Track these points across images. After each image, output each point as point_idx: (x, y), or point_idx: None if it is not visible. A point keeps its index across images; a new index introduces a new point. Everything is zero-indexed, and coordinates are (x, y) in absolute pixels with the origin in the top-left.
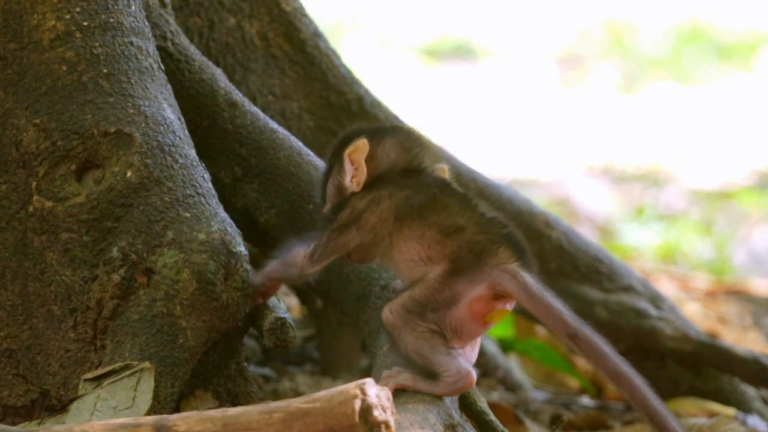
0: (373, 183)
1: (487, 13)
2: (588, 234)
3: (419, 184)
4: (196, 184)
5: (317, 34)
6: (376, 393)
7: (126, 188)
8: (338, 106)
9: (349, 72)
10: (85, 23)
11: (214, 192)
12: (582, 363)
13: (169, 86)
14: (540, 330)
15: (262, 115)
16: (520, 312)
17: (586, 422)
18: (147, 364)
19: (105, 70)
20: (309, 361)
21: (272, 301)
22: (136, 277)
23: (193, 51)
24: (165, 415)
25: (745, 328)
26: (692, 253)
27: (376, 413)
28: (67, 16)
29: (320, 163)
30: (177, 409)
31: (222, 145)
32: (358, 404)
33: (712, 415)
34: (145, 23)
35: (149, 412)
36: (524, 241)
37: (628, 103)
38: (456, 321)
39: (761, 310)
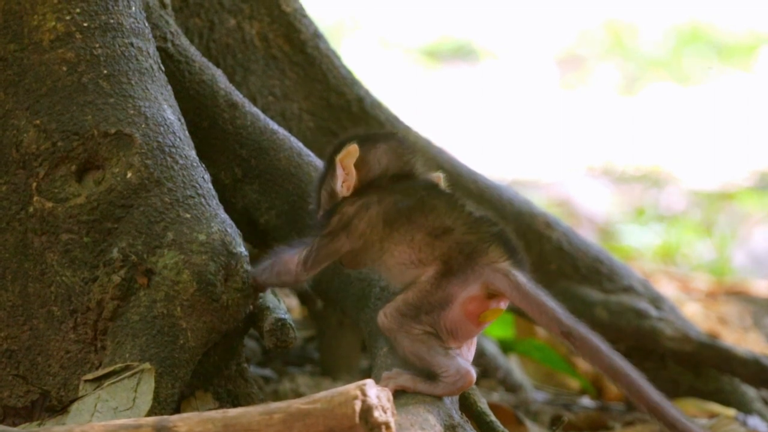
0: (364, 188)
1: (487, 14)
2: (588, 235)
3: (407, 188)
4: (197, 185)
5: (317, 35)
6: (376, 394)
7: (126, 189)
8: (338, 107)
9: (349, 73)
10: (85, 24)
11: (214, 193)
12: (582, 364)
13: (169, 87)
14: (540, 330)
15: (262, 116)
16: (520, 312)
17: (586, 423)
18: (147, 365)
19: (105, 71)
20: (309, 362)
21: (272, 301)
22: (137, 278)
23: (194, 52)
24: (165, 416)
25: (746, 328)
26: (692, 253)
27: (377, 414)
28: (68, 17)
29: (320, 164)
30: (177, 410)
31: (222, 146)
32: (358, 405)
33: (712, 415)
34: (145, 24)
35: (149, 413)
36: (515, 239)
37: (629, 103)
38: (450, 322)
39: (761, 311)
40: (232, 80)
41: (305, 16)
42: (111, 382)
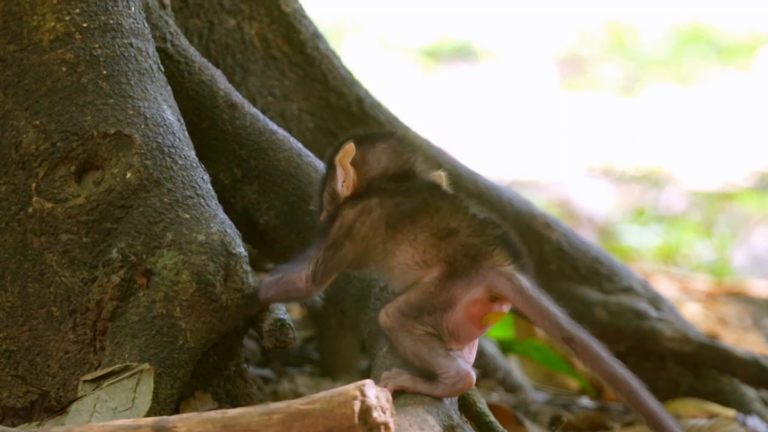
0: (364, 189)
1: (487, 15)
2: (588, 235)
3: (409, 190)
4: (196, 186)
5: (317, 36)
6: (375, 394)
7: (125, 189)
8: (338, 108)
9: (348, 73)
10: (84, 24)
11: (213, 193)
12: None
13: (168, 88)
14: (540, 331)
15: (261, 116)
16: (520, 313)
17: (585, 423)
18: (146, 366)
19: (105, 72)
20: (309, 363)
21: None
22: (136, 278)
23: (193, 52)
24: (164, 417)
25: (745, 329)
26: (692, 254)
27: (376, 414)
28: (67, 18)
29: (320, 165)
30: (176, 411)
31: (221, 147)
32: (357, 405)
33: (711, 416)
34: (144, 24)
35: (149, 414)
36: (519, 242)
37: (628, 104)
38: (453, 324)
39: (761, 312)
40: (231, 81)
41: (305, 16)
42: (110, 382)
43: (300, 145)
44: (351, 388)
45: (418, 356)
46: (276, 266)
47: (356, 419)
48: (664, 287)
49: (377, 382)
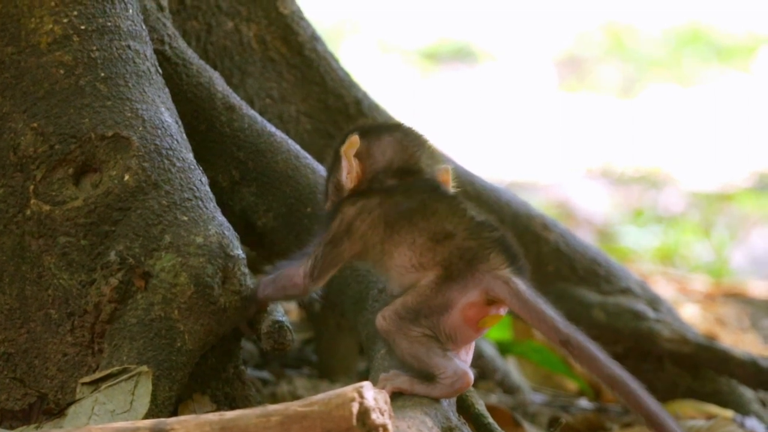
0: (368, 182)
1: (486, 16)
2: (587, 236)
3: (409, 189)
4: (194, 188)
5: (315, 38)
6: (373, 396)
7: (123, 192)
8: (336, 110)
9: (347, 75)
10: (82, 27)
11: (211, 195)
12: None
13: (166, 90)
14: (538, 333)
15: (259, 118)
16: (517, 316)
17: (584, 425)
18: (145, 368)
19: (102, 74)
20: (307, 365)
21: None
22: (134, 280)
23: (191, 54)
24: (163, 419)
25: (743, 330)
26: (691, 255)
27: (374, 416)
28: (65, 20)
29: (318, 167)
30: (175, 413)
31: (219, 149)
32: (355, 407)
33: (710, 417)
34: (142, 27)
35: (147, 416)
36: (516, 245)
37: (628, 105)
38: (450, 327)
39: (759, 312)
40: (229, 83)
41: (303, 18)
42: (108, 385)
43: (298, 147)
44: (349, 390)
45: (416, 357)
46: (274, 267)
47: (354, 421)
48: (663, 288)
49: (375, 383)
